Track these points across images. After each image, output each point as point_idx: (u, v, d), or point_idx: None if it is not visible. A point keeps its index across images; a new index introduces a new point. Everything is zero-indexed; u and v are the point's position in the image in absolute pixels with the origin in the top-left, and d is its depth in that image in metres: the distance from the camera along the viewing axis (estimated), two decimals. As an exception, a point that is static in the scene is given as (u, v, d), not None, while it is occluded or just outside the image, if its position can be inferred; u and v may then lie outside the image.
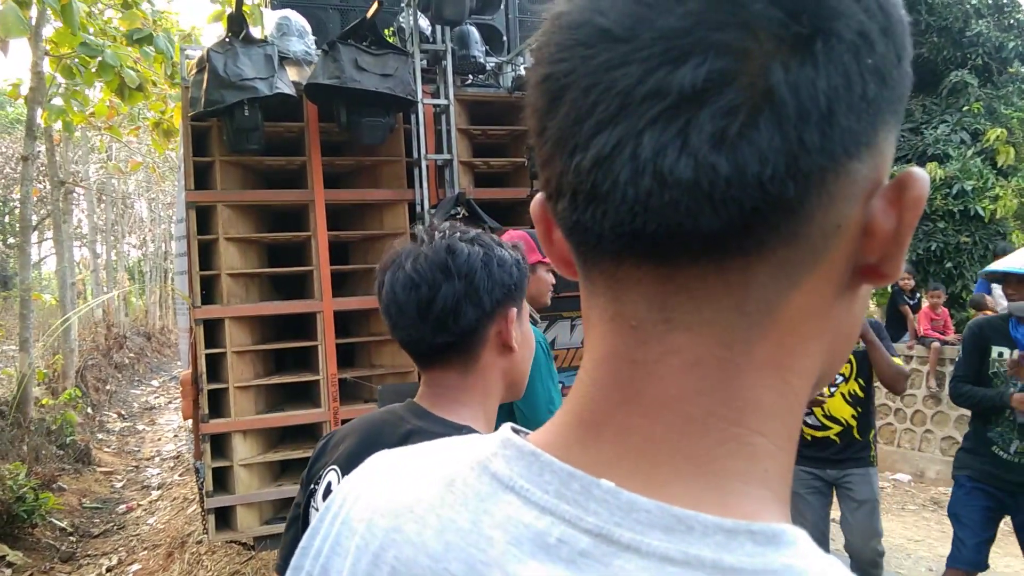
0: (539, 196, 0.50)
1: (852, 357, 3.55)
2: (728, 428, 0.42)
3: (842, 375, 3.58)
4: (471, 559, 0.44)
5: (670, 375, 0.43)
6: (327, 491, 1.20)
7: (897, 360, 3.61)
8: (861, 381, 3.63)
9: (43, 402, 8.65)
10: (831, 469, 3.67)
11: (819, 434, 3.64)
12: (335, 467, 1.22)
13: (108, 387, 13.56)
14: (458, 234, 1.22)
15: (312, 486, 1.25)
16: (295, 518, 1.29)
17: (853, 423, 3.62)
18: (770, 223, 0.39)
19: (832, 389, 3.59)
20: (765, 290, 0.41)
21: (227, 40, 4.10)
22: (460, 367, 1.21)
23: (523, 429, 0.50)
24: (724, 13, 0.37)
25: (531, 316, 2.90)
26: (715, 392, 0.42)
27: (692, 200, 0.38)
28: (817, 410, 3.63)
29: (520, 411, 2.48)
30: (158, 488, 8.54)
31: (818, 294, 0.43)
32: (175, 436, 11.43)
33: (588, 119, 0.40)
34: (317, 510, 1.18)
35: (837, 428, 3.62)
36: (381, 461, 0.57)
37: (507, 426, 0.49)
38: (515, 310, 1.21)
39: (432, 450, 0.54)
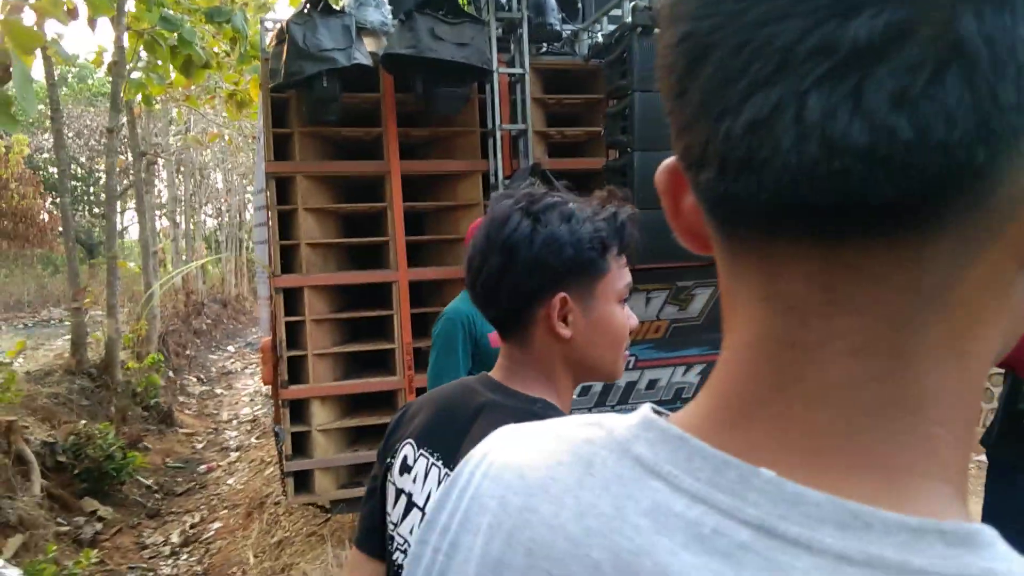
0: (667, 165, 0.47)
1: None
2: (902, 417, 0.39)
3: None
4: (616, 546, 0.42)
5: (835, 360, 0.39)
6: (403, 465, 1.18)
7: None
8: None
9: (129, 365, 9.01)
10: None
11: None
12: (410, 440, 1.19)
13: (187, 352, 14.06)
14: (524, 203, 1.12)
15: (388, 459, 1.22)
16: (372, 490, 1.27)
17: None
18: (952, 191, 0.35)
19: None
20: (941, 265, 0.38)
21: (306, 11, 4.13)
22: (518, 343, 1.15)
23: (663, 410, 0.47)
24: None
25: None
26: (886, 378, 0.39)
27: (866, 168, 0.35)
28: None
29: None
30: (236, 450, 8.84)
31: (999, 269, 0.39)
32: (251, 400, 11.79)
33: (740, 80, 0.37)
34: (394, 484, 1.18)
35: None
36: (508, 435, 0.55)
37: (647, 406, 0.47)
38: (564, 295, 1.10)
39: (560, 427, 0.52)
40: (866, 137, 0.34)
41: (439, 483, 1.10)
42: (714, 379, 0.45)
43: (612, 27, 4.79)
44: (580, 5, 5.46)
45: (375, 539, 1.24)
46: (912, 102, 0.34)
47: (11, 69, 3.35)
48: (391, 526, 1.17)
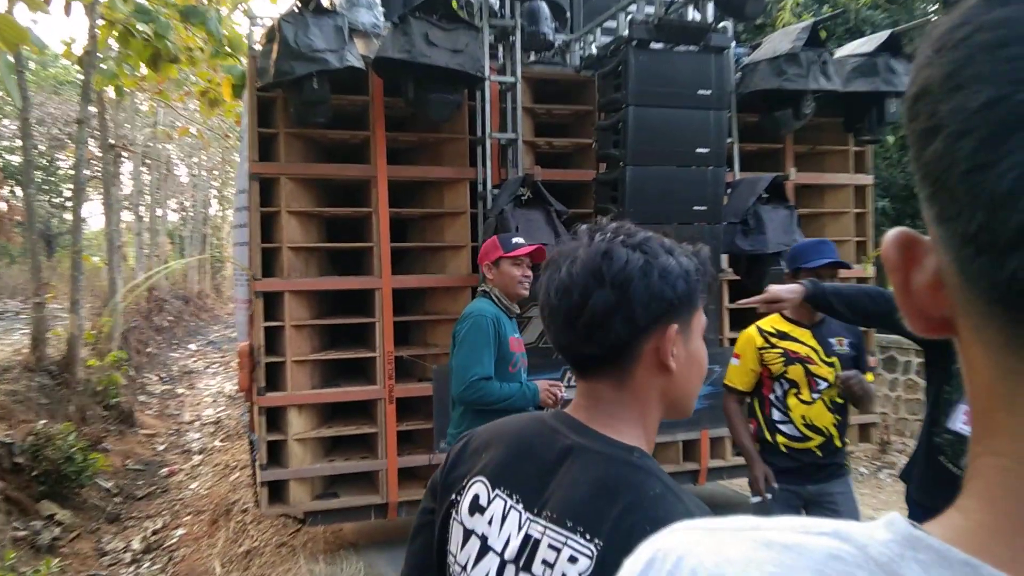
0: (898, 239, 0.42)
1: (836, 360, 3.16)
2: None
3: (825, 380, 3.16)
4: None
5: None
6: (474, 504, 1.12)
7: (868, 376, 3.25)
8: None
9: (90, 363, 8.75)
10: (811, 484, 3.24)
11: (799, 445, 3.20)
12: (482, 478, 1.13)
13: (148, 350, 13.75)
14: (622, 237, 1.09)
15: (454, 496, 1.16)
16: (424, 525, 1.21)
17: (834, 432, 3.21)
18: None
19: (815, 396, 3.17)
20: None
21: (297, 10, 4.03)
22: (614, 381, 1.10)
23: (917, 524, 0.40)
24: None
25: (505, 304, 3.18)
26: None
27: None
28: (796, 418, 3.19)
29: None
30: (199, 453, 8.63)
31: None
32: (214, 401, 11.56)
33: None
34: (462, 524, 1.12)
35: (819, 439, 3.19)
36: (703, 536, 0.47)
37: (899, 518, 0.41)
38: (675, 327, 1.07)
39: (780, 533, 0.44)
40: None
41: (519, 527, 1.05)
42: (988, 488, 0.39)
43: (606, 39, 4.77)
44: (569, 15, 5.42)
45: None
46: None
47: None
48: (458, 568, 1.12)
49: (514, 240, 3.22)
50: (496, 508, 1.09)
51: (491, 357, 3.02)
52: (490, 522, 1.09)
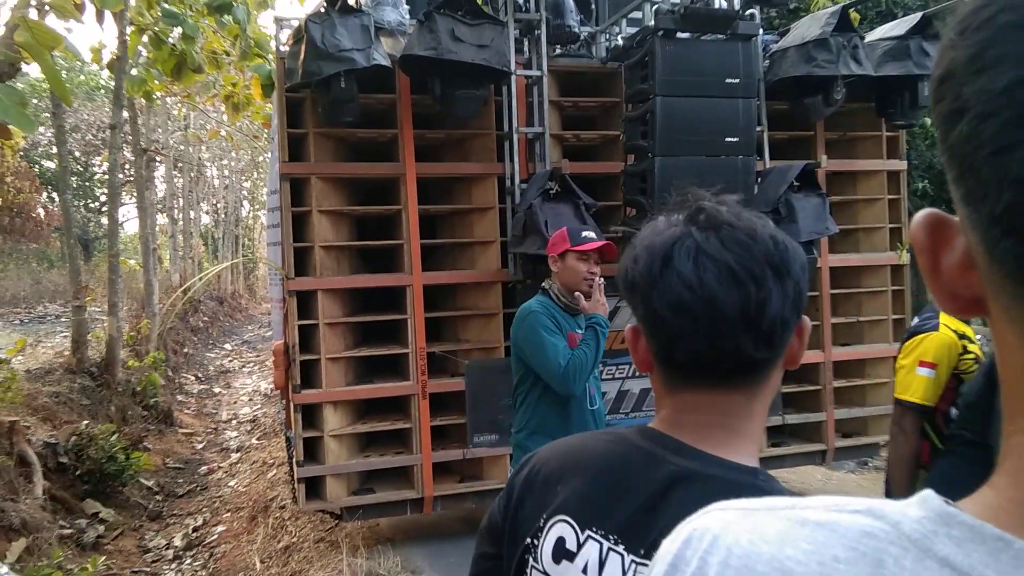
0: (926, 220, 0.42)
1: None
2: None
3: None
4: None
5: None
6: (560, 549, 0.94)
7: None
8: None
9: (129, 364, 8.92)
10: None
11: None
12: (565, 517, 0.95)
13: (185, 350, 13.96)
14: (762, 220, 0.93)
15: (528, 540, 0.98)
16: (486, 572, 1.07)
17: None
18: None
19: None
20: None
21: (324, 10, 4.06)
22: (747, 389, 0.91)
23: (950, 501, 0.40)
24: None
25: (565, 300, 3.07)
26: None
27: None
28: None
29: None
30: (237, 451, 8.76)
31: None
32: (250, 400, 11.71)
33: None
34: (544, 573, 0.96)
35: None
36: (738, 515, 0.48)
37: (932, 495, 0.40)
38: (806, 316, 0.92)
39: (811, 511, 0.45)
40: None
41: (624, 573, 0.89)
42: (1021, 466, 0.39)
43: (631, 29, 4.75)
44: (594, 7, 5.40)
45: None
46: None
47: (22, 67, 3.30)
48: None
49: (583, 234, 3.09)
50: (590, 553, 0.92)
51: (562, 341, 2.91)
52: (584, 570, 0.92)
